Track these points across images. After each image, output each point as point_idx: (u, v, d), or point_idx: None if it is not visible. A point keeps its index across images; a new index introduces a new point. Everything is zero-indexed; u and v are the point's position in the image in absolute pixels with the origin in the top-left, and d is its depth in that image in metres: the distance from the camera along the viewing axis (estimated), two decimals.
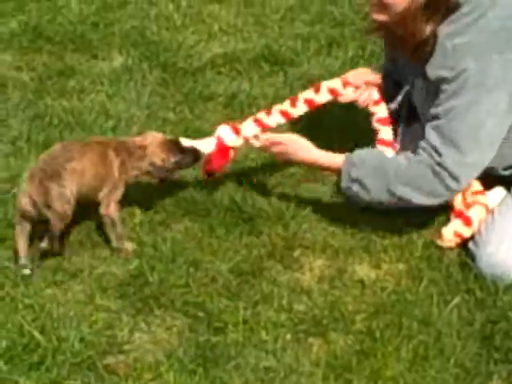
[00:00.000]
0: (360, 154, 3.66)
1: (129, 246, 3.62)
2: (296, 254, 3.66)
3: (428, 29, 3.51)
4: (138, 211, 3.85)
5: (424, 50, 3.55)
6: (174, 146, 3.78)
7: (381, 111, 3.95)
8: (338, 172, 3.67)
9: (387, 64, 4.09)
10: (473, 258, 3.59)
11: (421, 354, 3.16)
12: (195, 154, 3.81)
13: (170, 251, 3.57)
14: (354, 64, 5.08)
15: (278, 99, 4.67)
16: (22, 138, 4.30)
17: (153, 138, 3.79)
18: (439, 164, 3.47)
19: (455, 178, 3.48)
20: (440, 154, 3.47)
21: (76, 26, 5.43)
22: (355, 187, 3.61)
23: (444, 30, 3.51)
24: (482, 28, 3.47)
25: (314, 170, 4.04)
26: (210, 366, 3.10)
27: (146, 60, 5.09)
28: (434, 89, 3.56)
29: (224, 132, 3.88)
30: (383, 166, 3.59)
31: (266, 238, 3.71)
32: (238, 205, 3.87)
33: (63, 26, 5.41)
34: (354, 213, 3.87)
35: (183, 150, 3.79)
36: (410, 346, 3.18)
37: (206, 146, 3.85)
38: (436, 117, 3.52)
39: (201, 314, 3.31)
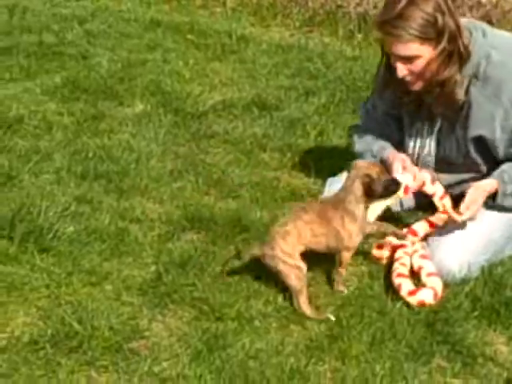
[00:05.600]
0: (505, 172, 3.54)
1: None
2: None
3: (448, 72, 3.40)
4: (156, 225, 3.86)
5: (444, 87, 3.44)
6: (383, 168, 3.43)
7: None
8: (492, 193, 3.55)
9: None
10: None
11: (378, 337, 3.16)
12: (395, 180, 3.44)
13: (180, 258, 3.58)
14: (325, 109, 5.11)
15: (266, 137, 4.73)
16: (64, 169, 4.30)
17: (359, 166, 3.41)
18: None
19: None
20: None
21: (106, 79, 5.46)
22: (508, 200, 3.53)
23: (488, 90, 3.45)
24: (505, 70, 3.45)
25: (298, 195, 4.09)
26: (213, 347, 3.09)
27: (161, 106, 5.11)
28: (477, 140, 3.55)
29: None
30: None
31: None
32: (235, 219, 3.87)
33: (96, 80, 5.44)
34: None
35: (392, 178, 3.44)
36: (370, 332, 3.19)
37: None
38: None
39: (205, 307, 3.31)
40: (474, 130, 3.55)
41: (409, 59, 3.39)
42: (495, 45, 3.47)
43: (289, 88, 5.45)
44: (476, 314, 3.32)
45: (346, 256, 3.41)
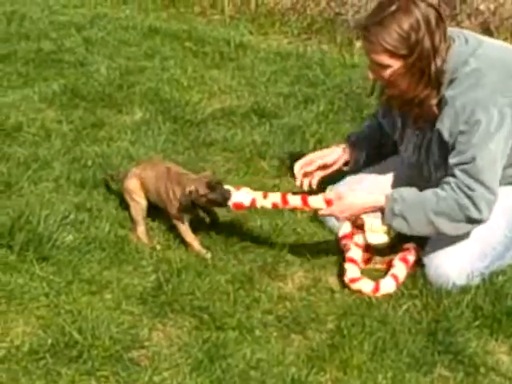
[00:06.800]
0: (399, 191, 3.53)
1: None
2: (281, 267, 3.65)
3: (420, 90, 3.44)
4: (155, 233, 3.84)
5: (422, 108, 3.49)
6: (207, 182, 3.64)
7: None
8: (381, 210, 3.52)
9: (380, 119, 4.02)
10: (423, 265, 3.57)
11: (380, 347, 3.15)
12: (224, 195, 3.63)
13: (180, 266, 3.56)
14: (324, 117, 5.10)
15: (265, 144, 4.72)
16: (63, 177, 4.27)
17: (200, 175, 3.76)
18: (469, 197, 3.38)
19: (478, 209, 3.40)
20: (473, 190, 3.38)
21: (105, 87, 5.43)
22: (397, 221, 3.49)
23: (450, 92, 3.44)
24: (482, 85, 3.40)
25: None
26: (214, 357, 3.08)
27: (160, 114, 5.09)
28: (440, 140, 3.50)
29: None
30: (420, 199, 3.47)
31: (257, 256, 3.70)
32: (234, 229, 3.87)
33: (95, 88, 5.42)
34: (325, 235, 3.88)
35: (214, 188, 3.63)
36: (371, 341, 3.17)
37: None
38: (463, 163, 3.39)
39: (205, 316, 3.30)
40: (436, 124, 3.53)
41: (380, 66, 3.45)
42: (474, 53, 3.46)
43: (288, 96, 5.43)
44: (477, 323, 3.31)
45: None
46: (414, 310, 3.38)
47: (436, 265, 3.52)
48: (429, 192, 3.47)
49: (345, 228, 3.76)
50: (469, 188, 3.39)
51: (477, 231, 3.54)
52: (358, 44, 6.35)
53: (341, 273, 3.59)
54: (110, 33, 6.58)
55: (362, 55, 6.17)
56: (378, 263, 3.69)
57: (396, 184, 3.85)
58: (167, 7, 7.40)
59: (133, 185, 3.86)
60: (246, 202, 3.64)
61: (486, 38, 3.71)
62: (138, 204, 3.85)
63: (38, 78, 5.61)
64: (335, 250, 3.77)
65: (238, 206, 3.66)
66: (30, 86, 5.45)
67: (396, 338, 3.20)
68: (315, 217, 3.97)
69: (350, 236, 3.71)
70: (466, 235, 3.54)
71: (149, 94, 5.36)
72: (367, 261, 3.67)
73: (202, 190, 3.63)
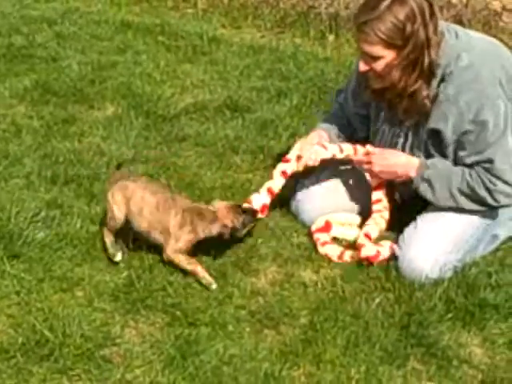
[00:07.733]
0: (433, 160, 3.57)
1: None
2: (253, 262, 3.63)
3: (412, 81, 3.44)
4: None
5: (413, 100, 3.48)
6: (238, 208, 3.58)
7: None
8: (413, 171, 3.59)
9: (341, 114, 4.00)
10: (396, 258, 3.57)
11: (352, 341, 3.15)
12: (254, 212, 3.66)
13: (152, 263, 3.54)
14: (297, 110, 5.08)
15: (238, 139, 4.70)
16: (34, 173, 4.24)
17: (220, 204, 3.60)
18: (489, 189, 3.47)
19: (495, 200, 3.49)
20: (494, 184, 3.45)
21: (76, 82, 5.40)
22: (424, 186, 3.56)
23: (449, 89, 3.44)
24: (481, 80, 3.40)
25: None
26: (187, 353, 3.07)
27: (132, 109, 5.05)
28: (438, 138, 3.52)
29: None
30: (449, 172, 3.52)
31: (229, 251, 3.68)
32: None
33: (66, 83, 5.38)
34: (298, 230, 3.87)
35: (245, 211, 3.60)
36: (344, 335, 3.17)
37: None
38: (482, 162, 3.43)
39: (178, 312, 3.28)
40: (431, 124, 3.53)
41: (372, 58, 3.44)
42: (466, 47, 3.46)
43: (260, 89, 5.41)
44: (450, 315, 3.32)
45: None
46: (386, 303, 3.38)
47: (409, 258, 3.52)
48: (458, 168, 3.52)
49: (318, 222, 3.77)
50: (490, 181, 3.46)
51: (450, 225, 3.57)
52: (331, 37, 6.35)
53: (314, 267, 3.57)
54: (82, 27, 6.54)
55: (334, 49, 6.19)
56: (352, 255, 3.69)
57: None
58: (140, 1, 7.35)
59: (119, 198, 3.56)
60: (267, 200, 3.77)
61: (472, 32, 3.70)
62: (115, 218, 3.58)
63: (9, 73, 5.57)
64: (308, 244, 3.76)
65: (264, 209, 3.77)
66: (0, 82, 5.41)
67: (369, 332, 3.20)
68: (287, 211, 3.97)
69: (323, 230, 3.72)
70: (439, 229, 3.56)
71: (121, 89, 5.33)
72: (341, 255, 3.66)
73: (238, 224, 3.56)
